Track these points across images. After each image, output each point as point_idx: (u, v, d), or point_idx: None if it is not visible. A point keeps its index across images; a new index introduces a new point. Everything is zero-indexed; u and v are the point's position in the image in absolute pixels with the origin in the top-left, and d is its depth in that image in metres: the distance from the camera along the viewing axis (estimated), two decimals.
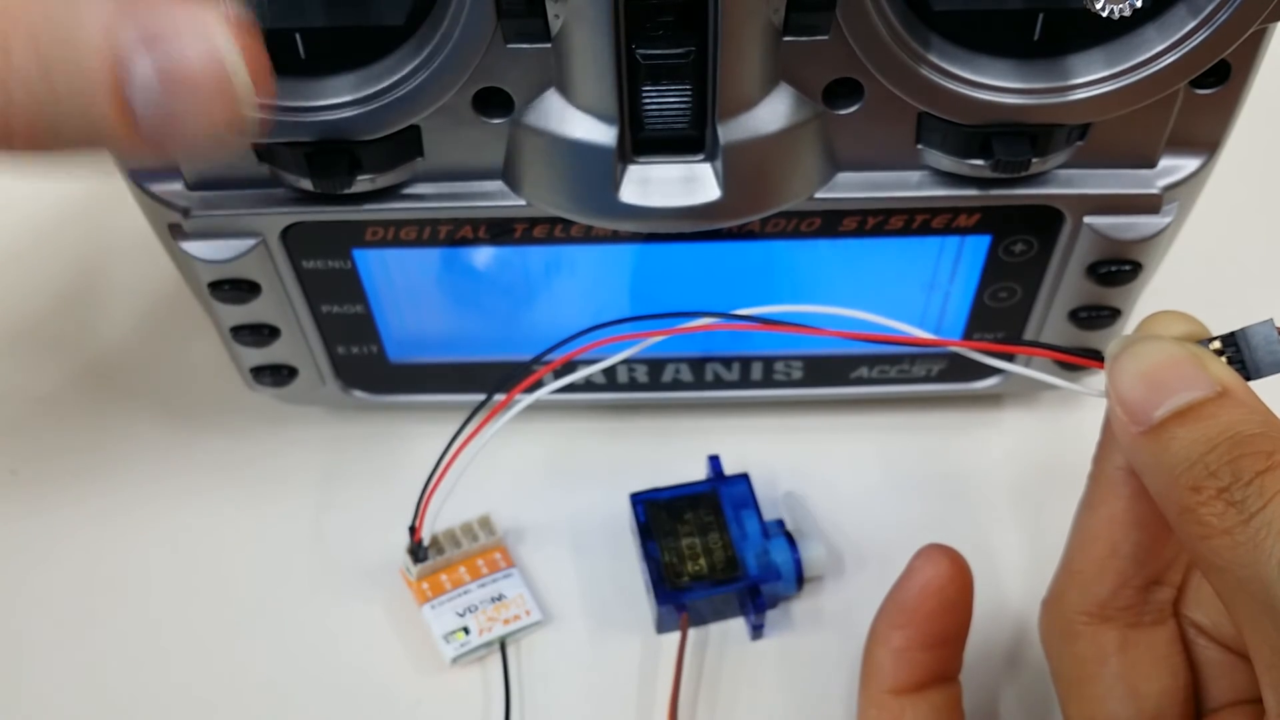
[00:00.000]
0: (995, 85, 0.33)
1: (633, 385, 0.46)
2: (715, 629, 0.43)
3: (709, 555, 0.42)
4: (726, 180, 0.34)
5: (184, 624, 0.44)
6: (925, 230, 0.39)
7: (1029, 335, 0.43)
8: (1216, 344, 0.29)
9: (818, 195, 0.37)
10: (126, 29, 0.25)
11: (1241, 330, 0.29)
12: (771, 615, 0.43)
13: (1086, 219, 0.37)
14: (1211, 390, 0.28)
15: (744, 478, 0.44)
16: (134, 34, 0.25)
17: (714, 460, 0.45)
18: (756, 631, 0.42)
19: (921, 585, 0.35)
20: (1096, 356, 0.31)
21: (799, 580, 0.43)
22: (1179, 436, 0.27)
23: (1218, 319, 0.31)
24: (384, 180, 0.36)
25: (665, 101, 0.33)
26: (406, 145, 0.35)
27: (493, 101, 0.34)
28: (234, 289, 0.39)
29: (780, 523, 0.44)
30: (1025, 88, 0.33)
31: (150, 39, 0.25)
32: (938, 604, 0.35)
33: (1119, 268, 0.39)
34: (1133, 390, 0.28)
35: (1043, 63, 0.33)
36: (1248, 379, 0.29)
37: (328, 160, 0.34)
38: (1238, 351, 0.29)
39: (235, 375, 0.45)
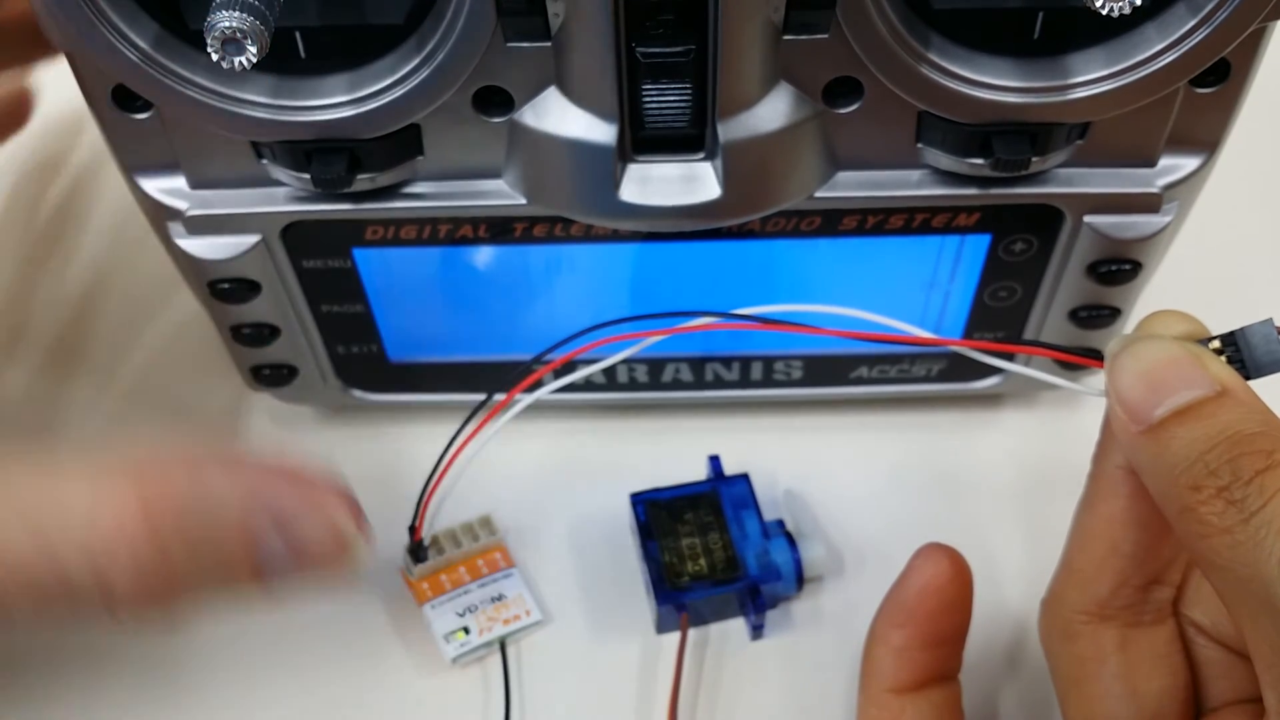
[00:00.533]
0: (995, 84, 0.33)
1: (633, 385, 0.46)
2: (715, 629, 0.43)
3: (709, 555, 0.42)
4: (726, 179, 0.34)
5: (184, 623, 0.43)
6: (925, 229, 0.39)
7: (1029, 335, 0.43)
8: (1216, 343, 0.29)
9: (818, 194, 0.37)
10: (259, 514, 0.29)
11: (1241, 329, 0.29)
12: (771, 615, 0.43)
13: (1086, 218, 0.37)
14: (1211, 389, 0.28)
15: (744, 478, 0.44)
16: (265, 518, 0.29)
17: (714, 460, 0.45)
18: (756, 632, 0.42)
19: (921, 585, 0.35)
20: (1096, 356, 0.31)
21: (799, 580, 0.43)
22: (1179, 435, 0.27)
23: (1217, 318, 0.31)
24: (384, 179, 0.36)
25: (665, 100, 0.33)
26: (406, 144, 0.35)
27: (493, 100, 0.34)
28: (233, 288, 0.39)
29: (780, 523, 0.44)
30: (1025, 87, 0.33)
31: (280, 523, 0.29)
32: (938, 603, 0.35)
33: (1119, 267, 0.39)
34: (1132, 389, 0.28)
35: (1043, 61, 0.33)
36: (1247, 378, 0.29)
37: (327, 159, 0.34)
38: (1237, 351, 0.29)
39: (235, 375, 0.45)
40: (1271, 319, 0.29)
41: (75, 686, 0.42)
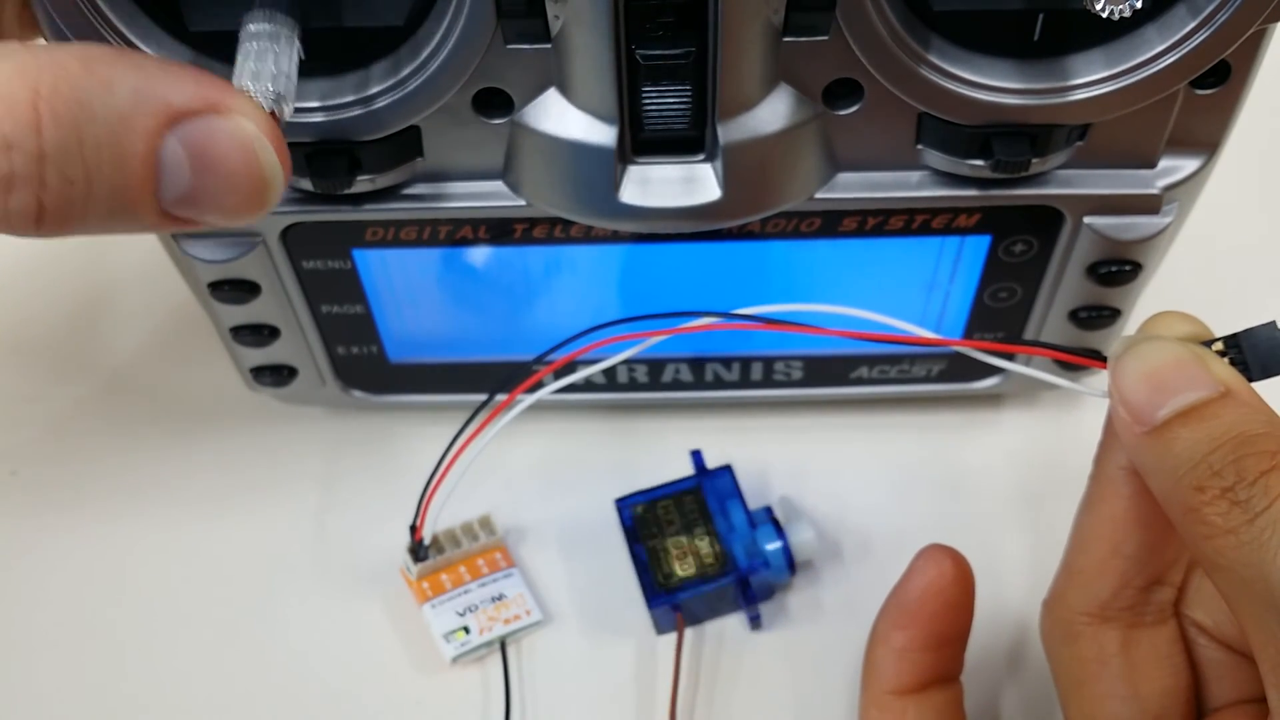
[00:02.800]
0: (995, 85, 0.33)
1: (633, 385, 0.46)
2: (713, 626, 0.43)
3: (697, 552, 0.42)
4: (726, 180, 0.34)
5: (184, 623, 0.44)
6: (925, 230, 0.39)
7: (1029, 335, 0.43)
8: (1219, 345, 0.29)
9: (818, 195, 0.37)
10: (160, 113, 0.25)
11: (1244, 331, 0.29)
12: (769, 611, 0.43)
13: (1086, 219, 0.37)
14: (1214, 390, 0.28)
15: (726, 469, 0.44)
16: (166, 118, 0.25)
17: (696, 455, 0.45)
18: (754, 622, 0.42)
19: (923, 586, 0.35)
20: (1098, 357, 0.31)
21: (790, 566, 0.43)
22: (1182, 437, 0.27)
23: (1217, 319, 0.31)
24: (384, 180, 0.36)
25: (665, 102, 0.33)
26: (406, 145, 0.35)
27: (493, 102, 0.34)
28: (234, 289, 0.39)
29: (768, 509, 0.43)
30: (1025, 88, 0.33)
31: (180, 115, 0.26)
32: (940, 604, 0.35)
33: (1119, 268, 0.39)
34: (1136, 391, 0.28)
35: (1043, 63, 0.33)
36: (1250, 380, 0.29)
37: (328, 160, 0.34)
38: (1240, 352, 0.29)
39: (235, 375, 0.45)
40: (1275, 321, 0.29)
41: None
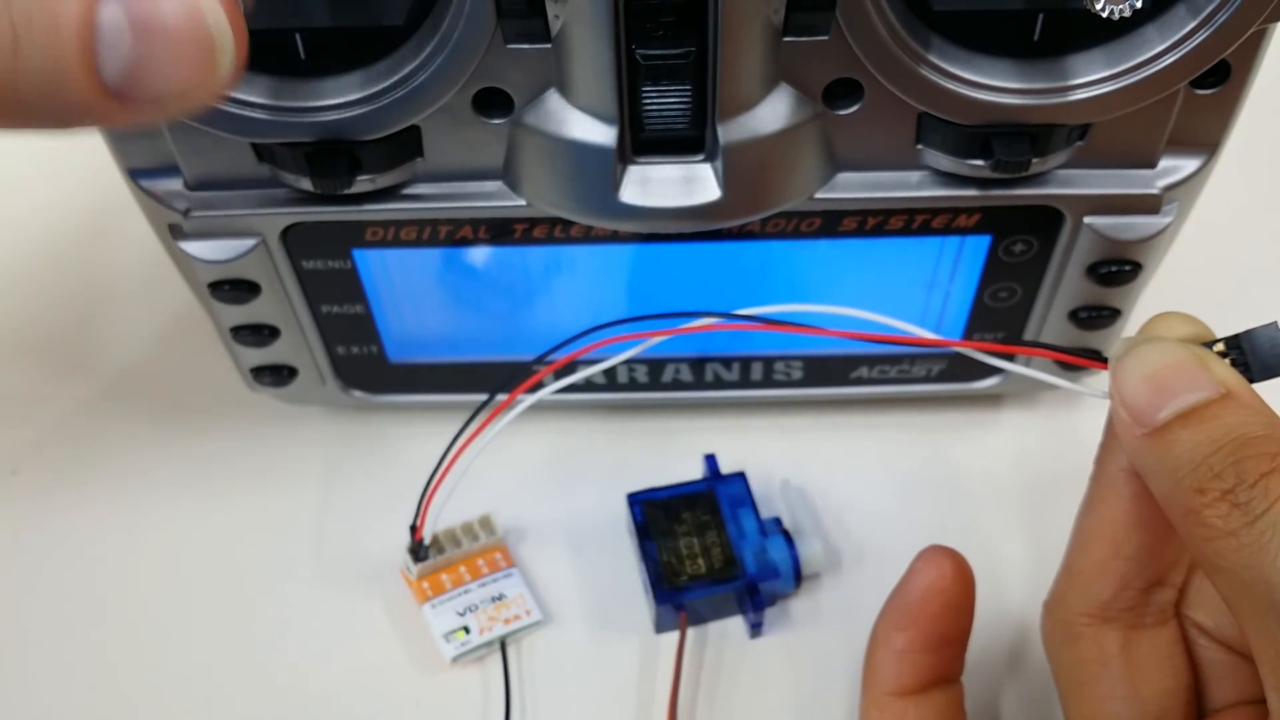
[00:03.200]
0: (995, 85, 0.33)
1: (633, 385, 0.46)
2: (714, 628, 0.43)
3: (707, 554, 0.42)
4: (726, 180, 0.34)
5: (184, 623, 0.44)
6: (925, 230, 0.39)
7: (1029, 335, 0.43)
8: (1220, 346, 0.29)
9: (818, 195, 0.37)
10: None
11: (1245, 332, 0.29)
12: (770, 613, 0.43)
13: (1086, 219, 0.37)
14: (1215, 392, 0.28)
15: (740, 476, 0.44)
16: None
17: (710, 459, 0.45)
18: (755, 630, 0.42)
19: (924, 587, 0.35)
20: (1099, 357, 0.31)
21: (797, 578, 0.43)
22: (1183, 438, 0.27)
23: (1218, 319, 0.31)
24: (384, 180, 0.36)
25: (665, 102, 0.33)
26: (406, 145, 0.35)
27: (493, 102, 0.34)
28: (234, 289, 0.39)
29: (778, 520, 0.44)
30: (1025, 88, 0.33)
31: None
32: (940, 606, 0.35)
33: (1119, 268, 0.39)
34: (1137, 392, 0.28)
35: (1043, 63, 0.33)
36: (1251, 381, 0.29)
37: (328, 160, 0.34)
38: (1241, 354, 0.29)
39: (235, 375, 0.45)
40: (1275, 322, 0.29)
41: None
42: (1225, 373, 0.28)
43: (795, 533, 0.43)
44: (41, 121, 0.24)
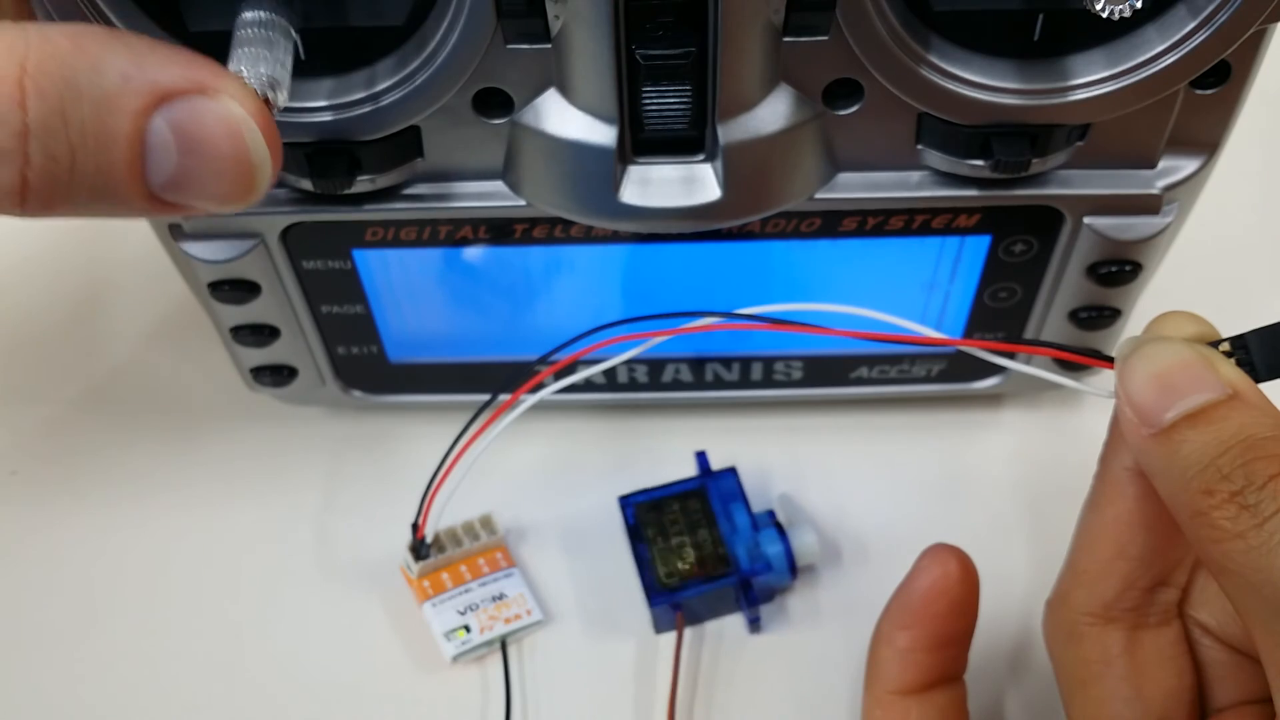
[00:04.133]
0: (995, 85, 0.33)
1: (633, 385, 0.46)
2: (713, 626, 0.43)
3: (699, 552, 0.42)
4: (726, 181, 0.34)
5: (185, 622, 0.44)
6: (925, 230, 0.39)
7: (1029, 335, 0.43)
8: (1226, 345, 0.29)
9: (818, 195, 0.37)
10: (147, 92, 0.25)
11: (1251, 332, 0.29)
12: (769, 612, 0.43)
13: (1086, 219, 0.37)
14: (1222, 393, 0.27)
15: (731, 471, 0.44)
16: (153, 97, 0.25)
17: (701, 456, 0.45)
18: (753, 625, 0.42)
19: (928, 586, 0.35)
20: (1103, 357, 0.31)
21: (792, 569, 0.43)
22: (1190, 439, 0.27)
23: (1218, 320, 0.31)
24: (384, 181, 0.36)
25: (665, 102, 0.33)
26: (406, 146, 0.35)
27: (493, 102, 0.34)
28: (234, 289, 0.39)
29: (771, 513, 0.43)
30: (1025, 88, 0.33)
31: (167, 96, 0.25)
32: (945, 605, 0.35)
33: (1119, 268, 0.39)
34: (1143, 392, 0.28)
35: (1043, 63, 0.33)
36: (1257, 381, 0.29)
37: (327, 161, 0.34)
38: (1247, 354, 0.29)
39: (235, 376, 0.45)
40: None
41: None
42: (1232, 373, 0.28)
43: (788, 524, 0.43)
44: (92, 215, 0.26)
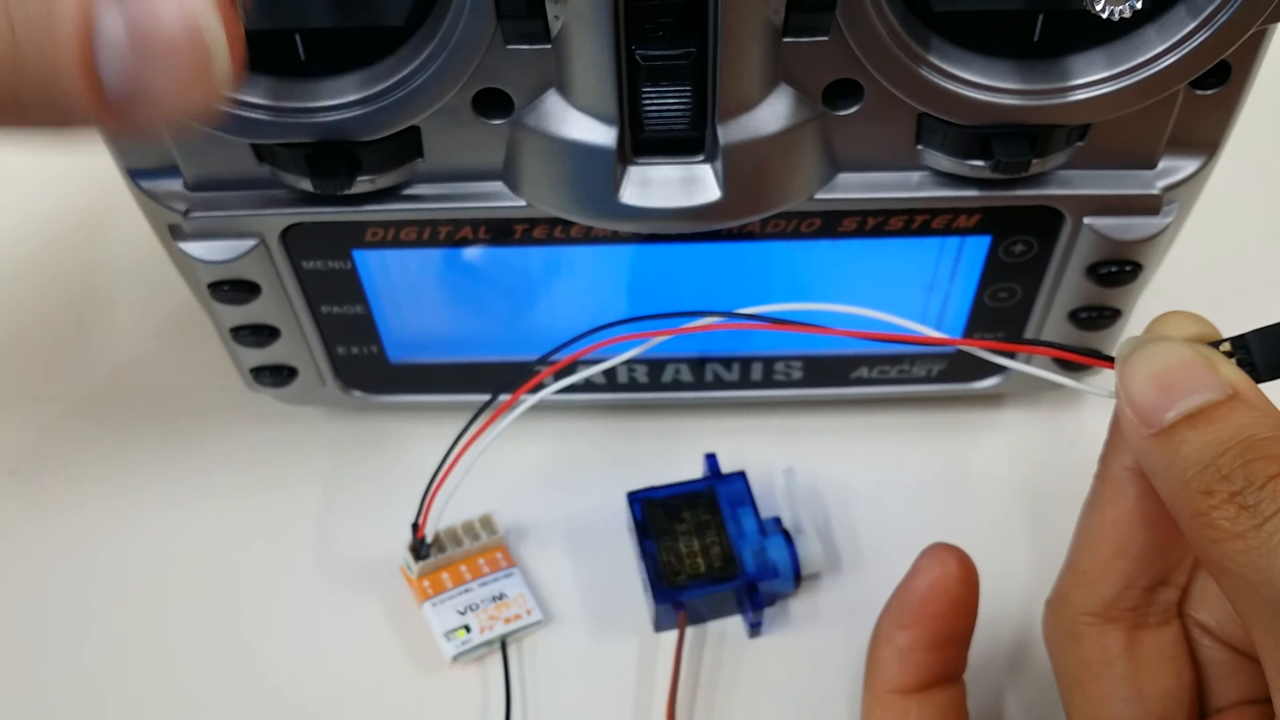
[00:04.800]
0: (995, 86, 0.33)
1: (633, 385, 0.46)
2: (714, 627, 0.43)
3: (706, 554, 0.42)
4: (726, 181, 0.34)
5: (184, 622, 0.44)
6: (925, 231, 0.39)
7: (1029, 335, 0.43)
8: (1226, 345, 0.29)
9: (818, 196, 0.37)
10: None
11: (1252, 332, 0.29)
12: (769, 613, 0.43)
13: (1086, 219, 0.37)
14: (1222, 393, 0.27)
15: (740, 475, 0.44)
16: None
17: (710, 459, 0.45)
18: (754, 629, 0.42)
19: (928, 585, 0.35)
20: (1103, 357, 0.31)
21: (796, 577, 0.43)
22: (1190, 439, 0.27)
23: (1218, 320, 0.31)
24: (384, 181, 0.36)
25: (665, 102, 0.33)
26: (406, 146, 0.35)
27: (493, 102, 0.34)
28: (234, 290, 0.39)
29: (777, 520, 0.44)
30: (1025, 88, 0.33)
31: None
32: (944, 604, 0.35)
33: (1119, 268, 0.39)
34: (1144, 392, 0.28)
35: (1043, 63, 0.33)
36: (1257, 381, 0.29)
37: (328, 161, 0.34)
38: (1247, 354, 0.29)
39: (235, 376, 0.45)
40: None
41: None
42: (1232, 373, 0.28)
43: (795, 532, 0.43)
44: (41, 120, 0.24)
